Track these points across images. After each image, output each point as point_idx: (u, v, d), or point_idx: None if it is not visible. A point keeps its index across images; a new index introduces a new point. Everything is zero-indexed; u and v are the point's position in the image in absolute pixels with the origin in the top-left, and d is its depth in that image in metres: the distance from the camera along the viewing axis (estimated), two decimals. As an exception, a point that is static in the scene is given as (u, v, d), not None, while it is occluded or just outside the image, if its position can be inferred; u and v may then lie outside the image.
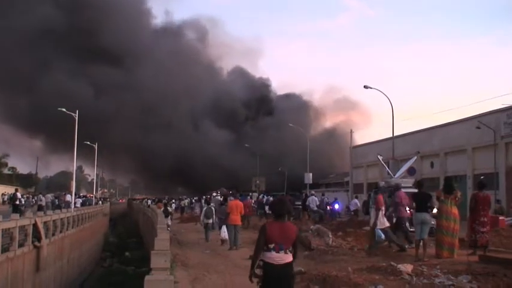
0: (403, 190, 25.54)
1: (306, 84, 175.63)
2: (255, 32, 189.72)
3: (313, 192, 39.65)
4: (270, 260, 6.29)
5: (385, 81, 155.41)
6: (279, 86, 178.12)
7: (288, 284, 6.39)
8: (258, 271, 6.38)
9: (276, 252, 6.28)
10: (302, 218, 30.51)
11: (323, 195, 38.79)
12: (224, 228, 19.54)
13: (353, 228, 20.24)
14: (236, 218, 18.66)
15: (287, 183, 61.47)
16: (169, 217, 30.28)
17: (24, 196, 43.93)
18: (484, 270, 10.96)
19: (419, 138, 42.79)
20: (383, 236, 14.98)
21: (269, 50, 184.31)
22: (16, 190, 41.89)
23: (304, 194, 38.81)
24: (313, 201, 33.02)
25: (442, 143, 39.83)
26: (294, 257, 6.46)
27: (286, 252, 6.32)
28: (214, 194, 41.95)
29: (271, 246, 6.30)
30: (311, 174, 55.25)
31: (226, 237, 18.91)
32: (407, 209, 16.14)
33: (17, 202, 36.97)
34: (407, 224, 16.23)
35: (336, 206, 36.46)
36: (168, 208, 32.12)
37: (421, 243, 13.49)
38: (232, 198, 23.33)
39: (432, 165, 40.94)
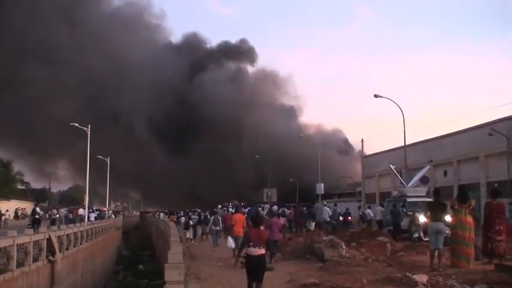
0: (415, 199, 25.78)
1: (314, 93, 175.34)
2: (264, 40, 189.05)
3: (325, 202, 39.52)
4: (250, 253, 9.93)
5: (395, 89, 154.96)
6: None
7: (261, 267, 10.01)
8: (243, 260, 10.27)
9: (254, 248, 9.91)
10: (314, 229, 30.37)
11: (335, 205, 38.65)
12: (230, 238, 20.69)
13: (366, 239, 20.07)
14: (239, 230, 19.53)
15: (299, 194, 61.42)
16: (190, 230, 30.74)
17: (41, 211, 44.52)
18: (500, 279, 10.86)
19: (431, 146, 42.53)
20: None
21: (278, 59, 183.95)
22: (35, 205, 43.02)
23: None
24: (326, 212, 32.89)
25: (454, 150, 39.54)
26: (266, 250, 10.35)
27: (260, 248, 9.95)
28: (220, 206, 42.10)
29: (251, 244, 9.97)
30: (323, 184, 55.13)
31: (233, 245, 19.93)
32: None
33: (37, 216, 37.94)
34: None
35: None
36: (190, 221, 32.49)
37: (436, 253, 13.39)
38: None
39: (445, 173, 40.68)
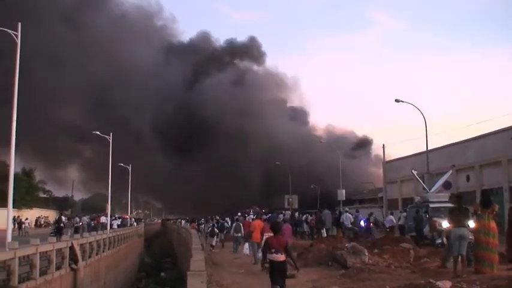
0: (438, 205, 25.51)
1: (335, 101, 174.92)
2: (283, 48, 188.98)
3: (347, 209, 39.34)
4: (272, 258, 10.44)
5: (416, 94, 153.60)
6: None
7: (283, 271, 10.50)
8: (266, 265, 10.64)
9: (275, 254, 10.42)
10: (337, 235, 30.27)
11: (357, 211, 38.45)
12: (247, 245, 21.57)
13: (389, 245, 19.88)
14: (258, 237, 19.62)
15: (320, 199, 61.21)
16: (214, 237, 30.93)
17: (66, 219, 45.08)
18: (526, 285, 10.71)
19: (453, 151, 42.11)
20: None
21: (297, 66, 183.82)
22: (61, 214, 43.65)
23: (338, 211, 38.49)
24: (348, 218, 32.75)
25: (477, 155, 39.14)
26: (288, 255, 10.70)
27: (281, 254, 10.44)
28: (239, 214, 42.16)
29: (273, 250, 10.48)
30: (344, 190, 54.83)
31: (248, 252, 20.86)
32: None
33: (61, 225, 38.48)
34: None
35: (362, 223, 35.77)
36: (215, 229, 32.59)
37: (459, 259, 13.24)
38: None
39: (468, 178, 40.26)
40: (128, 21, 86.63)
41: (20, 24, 20.49)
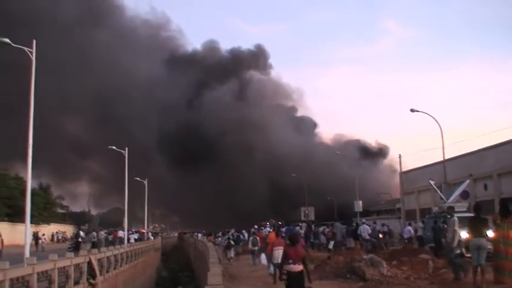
0: (456, 215, 25.18)
1: (350, 112, 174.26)
2: (294, 60, 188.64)
3: (364, 220, 39.10)
4: (290, 269, 10.64)
5: (431, 103, 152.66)
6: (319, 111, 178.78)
7: (301, 282, 10.67)
8: (284, 276, 10.75)
9: (293, 265, 10.63)
10: (355, 248, 30.08)
11: (374, 223, 38.22)
12: (263, 255, 22.12)
13: (408, 257, 19.70)
14: (270, 248, 19.24)
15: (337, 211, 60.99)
16: (231, 250, 30.97)
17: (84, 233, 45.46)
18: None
19: (471, 160, 41.78)
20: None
21: (307, 78, 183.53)
22: (79, 228, 44.03)
23: (355, 223, 38.30)
24: (365, 229, 32.52)
25: (494, 164, 38.78)
26: (304, 266, 10.84)
27: (298, 264, 10.65)
28: (256, 226, 42.11)
29: (290, 261, 10.67)
30: (361, 201, 54.56)
31: (265, 262, 21.26)
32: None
33: (79, 239, 38.75)
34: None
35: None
36: (231, 241, 32.56)
37: (479, 269, 13.10)
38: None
39: (486, 187, 39.90)
40: (135, 34, 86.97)
41: (34, 41, 20.68)
